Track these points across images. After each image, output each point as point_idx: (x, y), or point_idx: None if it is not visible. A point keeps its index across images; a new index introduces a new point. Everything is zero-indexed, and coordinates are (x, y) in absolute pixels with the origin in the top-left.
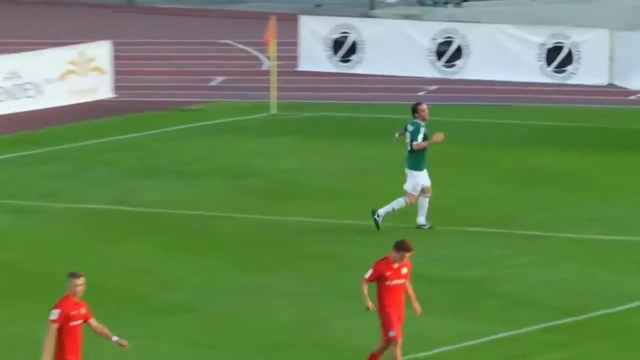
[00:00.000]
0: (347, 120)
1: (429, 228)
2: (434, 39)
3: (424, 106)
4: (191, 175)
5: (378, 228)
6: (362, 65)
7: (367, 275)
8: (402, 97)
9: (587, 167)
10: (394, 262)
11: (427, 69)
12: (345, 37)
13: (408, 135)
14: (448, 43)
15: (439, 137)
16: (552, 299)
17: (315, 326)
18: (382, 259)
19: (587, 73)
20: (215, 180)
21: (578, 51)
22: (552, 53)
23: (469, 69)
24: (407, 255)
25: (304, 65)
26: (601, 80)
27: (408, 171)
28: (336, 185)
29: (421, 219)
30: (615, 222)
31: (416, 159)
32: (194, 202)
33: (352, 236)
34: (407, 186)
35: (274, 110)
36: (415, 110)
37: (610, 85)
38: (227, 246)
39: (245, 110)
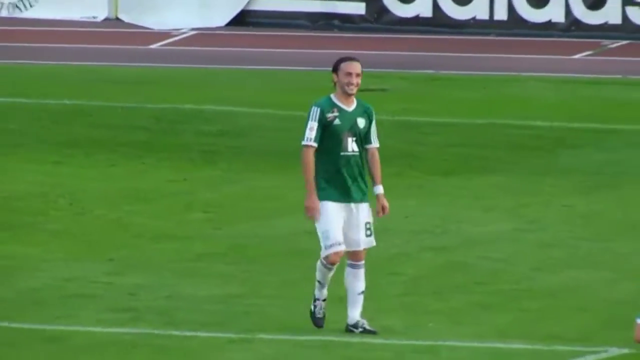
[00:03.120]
0: None
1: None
2: None
3: (349, 66)
4: None
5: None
6: None
7: None
8: None
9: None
10: None
11: None
12: None
13: None
14: None
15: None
16: None
17: None
18: None
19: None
20: None
21: None
22: None
23: None
24: None
25: None
26: (92, 11)
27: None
28: None
29: (355, 313)
30: None
31: (321, 173)
32: None
33: None
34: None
35: None
36: (334, 69)
37: (111, 21)
38: None
39: None
